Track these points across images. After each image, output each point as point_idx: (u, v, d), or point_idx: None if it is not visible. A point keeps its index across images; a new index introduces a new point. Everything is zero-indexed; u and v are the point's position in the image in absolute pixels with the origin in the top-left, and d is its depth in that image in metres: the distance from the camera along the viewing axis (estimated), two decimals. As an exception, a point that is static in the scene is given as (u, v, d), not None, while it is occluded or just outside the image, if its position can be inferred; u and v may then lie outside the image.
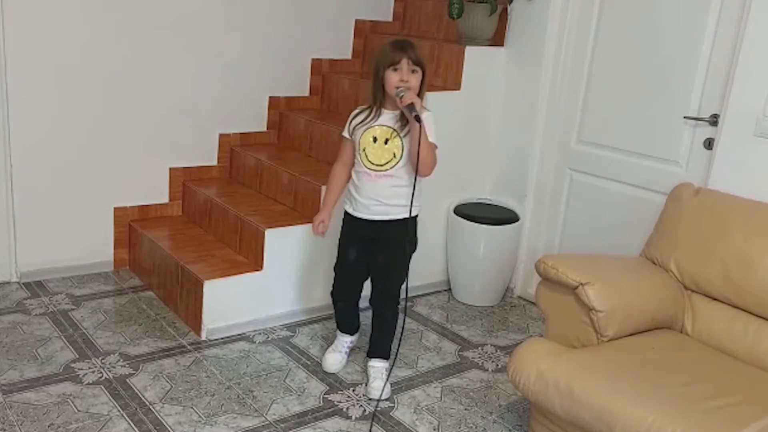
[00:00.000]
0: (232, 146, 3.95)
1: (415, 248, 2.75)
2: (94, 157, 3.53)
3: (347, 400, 2.72)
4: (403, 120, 2.58)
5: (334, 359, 2.92)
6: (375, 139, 2.60)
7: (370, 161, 2.61)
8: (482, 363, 3.11)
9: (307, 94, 4.17)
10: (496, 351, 3.23)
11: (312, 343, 3.14)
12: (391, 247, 2.69)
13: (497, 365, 3.10)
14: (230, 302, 3.15)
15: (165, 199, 3.83)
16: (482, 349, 3.24)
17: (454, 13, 3.59)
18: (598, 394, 2.11)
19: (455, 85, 3.61)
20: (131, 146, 3.63)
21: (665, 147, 3.12)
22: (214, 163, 3.94)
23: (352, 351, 3.04)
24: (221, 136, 3.92)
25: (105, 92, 3.48)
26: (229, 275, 3.15)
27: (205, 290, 3.06)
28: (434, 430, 2.59)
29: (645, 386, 2.11)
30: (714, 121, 2.93)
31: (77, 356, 2.86)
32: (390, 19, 4.41)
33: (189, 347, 3.01)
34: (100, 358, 2.85)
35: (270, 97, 4.04)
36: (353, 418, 2.62)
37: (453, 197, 3.75)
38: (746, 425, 1.94)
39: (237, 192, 3.73)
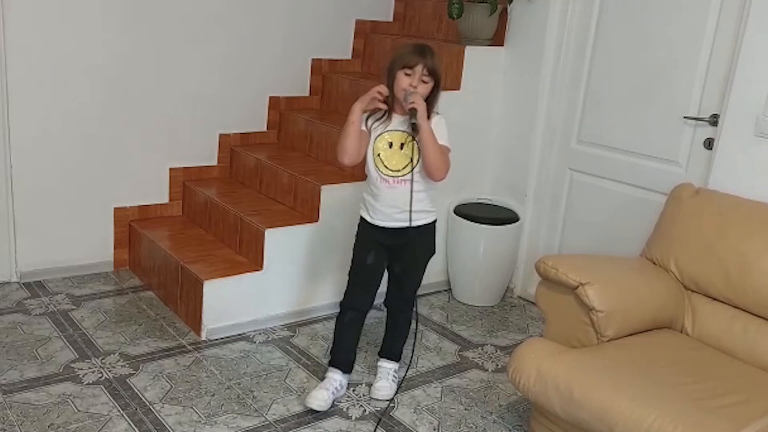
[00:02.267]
0: (232, 146, 3.95)
1: (434, 253, 2.73)
2: (95, 157, 3.53)
3: (347, 400, 2.72)
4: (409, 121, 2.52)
5: (321, 396, 2.62)
6: (391, 145, 2.53)
7: (386, 167, 2.52)
8: (482, 363, 3.11)
9: (307, 94, 4.17)
10: (496, 351, 3.23)
11: (312, 343, 3.14)
12: (410, 255, 2.64)
13: (497, 365, 3.10)
14: (230, 302, 3.14)
15: (165, 199, 3.83)
16: (482, 349, 3.24)
17: (454, 13, 3.59)
18: (598, 394, 2.11)
19: (455, 85, 3.61)
20: (131, 146, 3.63)
21: (665, 147, 3.12)
22: (214, 163, 3.94)
23: (357, 352, 3.04)
24: (221, 136, 3.92)
25: (105, 92, 3.48)
26: (229, 275, 3.15)
27: (205, 290, 3.06)
28: (434, 430, 2.59)
29: (645, 386, 2.11)
30: (714, 121, 2.93)
31: (77, 356, 2.86)
32: (390, 19, 4.42)
33: (189, 347, 3.01)
34: (100, 358, 2.85)
35: (270, 97, 4.04)
36: (353, 418, 2.62)
37: (453, 197, 3.75)
38: (746, 425, 1.94)
39: (237, 192, 3.73)
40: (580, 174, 3.50)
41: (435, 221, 2.67)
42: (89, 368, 2.78)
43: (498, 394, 2.87)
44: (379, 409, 2.68)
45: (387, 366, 2.80)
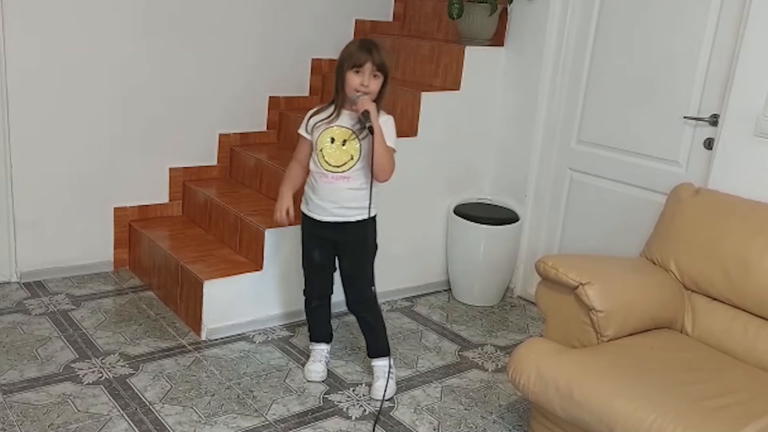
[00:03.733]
0: (232, 146, 3.95)
1: (376, 249, 2.71)
2: (94, 157, 3.53)
3: (347, 400, 2.72)
4: (362, 122, 2.51)
5: (318, 368, 2.83)
6: (333, 140, 2.54)
7: (327, 162, 2.54)
8: (482, 363, 3.11)
9: (307, 94, 4.17)
10: (496, 351, 3.23)
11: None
12: (353, 251, 2.66)
13: (497, 365, 3.10)
14: (230, 302, 3.14)
15: (165, 199, 3.83)
16: (482, 349, 3.24)
17: (454, 13, 3.59)
18: (598, 394, 2.11)
19: (455, 85, 3.61)
20: (131, 146, 3.63)
21: (665, 147, 3.12)
22: (214, 163, 3.94)
23: (352, 351, 3.04)
24: (221, 136, 3.92)
25: (105, 92, 3.48)
26: (229, 275, 3.15)
27: (205, 290, 3.06)
28: (434, 430, 2.59)
29: (645, 386, 2.11)
30: (714, 121, 2.93)
31: (77, 356, 2.86)
32: (390, 19, 4.42)
33: (189, 347, 3.01)
34: (100, 358, 2.85)
35: (270, 97, 4.04)
36: (353, 418, 2.62)
37: (453, 197, 3.75)
38: (746, 425, 1.94)
39: (237, 192, 3.73)
40: (580, 174, 3.50)
41: (374, 216, 2.65)
42: (89, 368, 2.78)
43: (498, 394, 2.87)
44: (377, 409, 2.68)
45: (380, 364, 2.77)
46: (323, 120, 2.56)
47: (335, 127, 2.54)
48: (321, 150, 2.55)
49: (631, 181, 3.26)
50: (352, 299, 2.74)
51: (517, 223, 3.68)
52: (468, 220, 3.62)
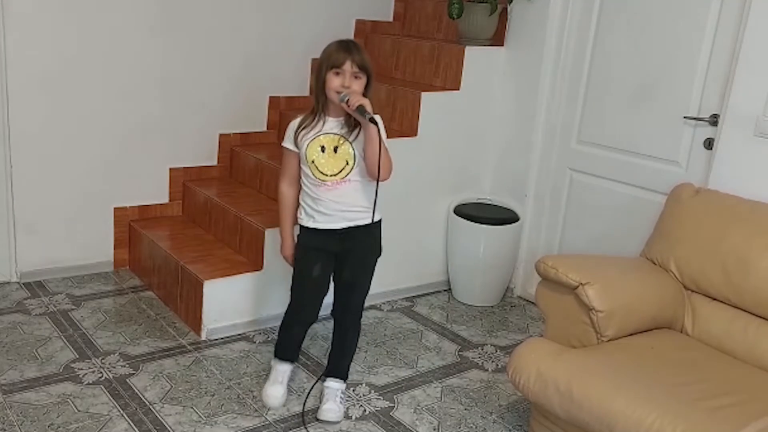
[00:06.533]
0: (232, 146, 3.95)
1: (380, 254, 2.58)
2: (94, 157, 3.54)
3: (347, 401, 2.72)
4: (350, 125, 2.40)
5: (277, 392, 2.62)
6: (323, 149, 2.40)
7: (322, 172, 2.40)
8: (482, 363, 3.11)
9: (307, 93, 4.17)
10: (496, 351, 3.23)
11: (311, 343, 3.14)
12: (358, 259, 2.52)
13: (497, 365, 3.10)
14: (230, 302, 3.14)
15: (165, 199, 3.83)
16: (482, 349, 3.24)
17: (454, 13, 3.60)
18: (598, 394, 2.11)
19: (455, 85, 3.61)
20: (131, 146, 3.63)
21: (665, 147, 3.12)
22: (214, 163, 3.94)
23: (356, 353, 3.05)
24: (221, 136, 3.92)
25: (105, 92, 3.48)
26: (229, 275, 3.15)
27: (205, 290, 3.06)
28: (434, 430, 2.59)
29: (645, 386, 2.11)
30: (714, 121, 2.93)
31: (77, 356, 2.86)
32: (390, 19, 4.42)
33: (189, 347, 3.02)
34: (100, 358, 2.85)
35: (270, 97, 4.04)
36: (353, 418, 2.62)
37: (453, 197, 3.75)
38: (746, 425, 1.94)
39: (237, 192, 3.74)
40: (580, 174, 3.50)
41: (380, 220, 2.52)
42: (89, 368, 2.78)
43: (498, 394, 2.87)
44: (379, 409, 2.68)
45: (334, 386, 2.64)
46: (307, 132, 2.43)
47: (322, 136, 2.41)
48: (312, 161, 2.41)
49: (631, 181, 3.26)
50: (344, 307, 2.61)
51: (517, 223, 3.68)
52: (468, 220, 3.62)
